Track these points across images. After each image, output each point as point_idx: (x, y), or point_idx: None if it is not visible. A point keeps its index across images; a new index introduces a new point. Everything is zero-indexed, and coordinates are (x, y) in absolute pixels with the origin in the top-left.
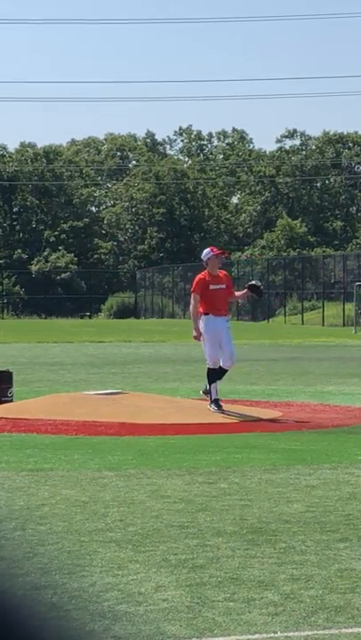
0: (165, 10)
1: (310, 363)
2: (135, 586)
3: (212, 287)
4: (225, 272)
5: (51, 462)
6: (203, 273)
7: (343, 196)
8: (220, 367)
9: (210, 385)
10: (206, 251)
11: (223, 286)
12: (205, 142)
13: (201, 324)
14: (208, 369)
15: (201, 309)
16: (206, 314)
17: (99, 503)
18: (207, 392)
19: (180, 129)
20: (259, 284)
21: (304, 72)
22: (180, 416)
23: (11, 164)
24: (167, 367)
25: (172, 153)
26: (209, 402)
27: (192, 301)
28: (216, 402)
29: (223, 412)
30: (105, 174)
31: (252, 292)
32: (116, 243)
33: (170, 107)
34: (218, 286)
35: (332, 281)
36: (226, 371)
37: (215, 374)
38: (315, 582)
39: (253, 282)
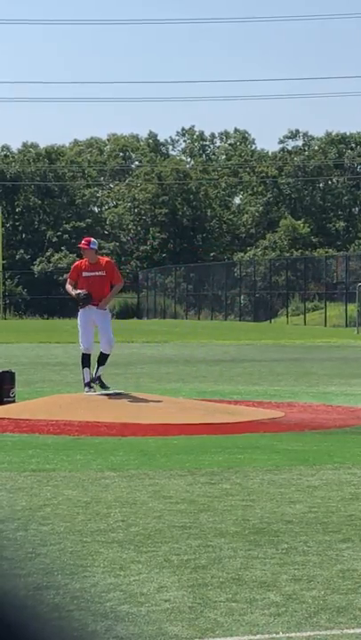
0: (168, 10)
1: (313, 363)
2: (137, 586)
3: (85, 274)
4: (108, 259)
5: (53, 463)
6: (82, 260)
7: (346, 197)
8: (100, 352)
9: (82, 369)
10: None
11: (100, 273)
12: (208, 143)
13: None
14: (82, 354)
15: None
16: None
17: (101, 504)
18: (94, 381)
19: (183, 129)
20: (82, 295)
21: (306, 72)
22: (183, 416)
23: (13, 164)
24: (169, 367)
25: (174, 153)
26: (87, 384)
27: (67, 285)
28: (88, 384)
29: (91, 390)
30: (107, 175)
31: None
32: (118, 243)
33: (172, 107)
34: (92, 273)
35: (335, 281)
36: (107, 355)
37: (88, 359)
38: (317, 583)
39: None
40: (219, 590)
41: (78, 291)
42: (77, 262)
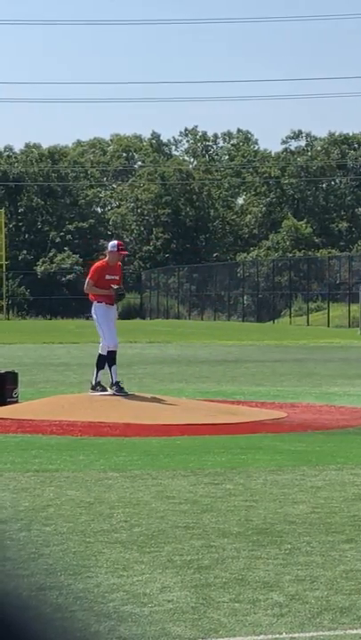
0: (172, 10)
1: (316, 364)
2: (140, 587)
3: (107, 277)
4: (119, 263)
5: (56, 463)
6: (102, 261)
7: (349, 197)
8: (99, 354)
9: (110, 368)
10: (113, 243)
11: (117, 277)
12: (211, 143)
13: (96, 311)
14: (108, 352)
15: (93, 296)
16: (100, 302)
17: (104, 504)
18: (96, 386)
19: (186, 130)
20: (120, 291)
21: (309, 73)
22: (186, 417)
23: (16, 164)
24: (172, 368)
25: (177, 154)
26: (110, 385)
27: (87, 286)
28: (117, 384)
29: (126, 394)
30: (110, 175)
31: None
32: None
33: (175, 107)
34: (113, 277)
35: (338, 282)
36: (115, 353)
37: (114, 357)
38: (320, 583)
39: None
40: (222, 591)
41: (115, 286)
42: (99, 264)
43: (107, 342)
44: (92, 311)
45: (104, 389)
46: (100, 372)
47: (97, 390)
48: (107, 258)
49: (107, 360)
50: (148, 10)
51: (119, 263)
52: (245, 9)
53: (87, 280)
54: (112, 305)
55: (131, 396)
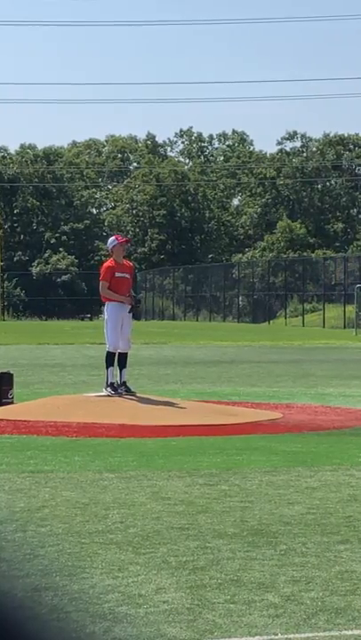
0: (167, 12)
1: (311, 365)
2: (135, 588)
3: (117, 274)
4: (130, 263)
5: (51, 464)
6: (109, 260)
7: (344, 198)
8: (118, 352)
9: (107, 369)
10: (111, 239)
11: (128, 275)
12: (206, 144)
13: (107, 310)
14: (107, 353)
15: (105, 297)
16: (112, 301)
17: (99, 505)
18: (120, 386)
19: (181, 131)
20: (138, 300)
21: (305, 74)
22: (181, 418)
23: (11, 165)
24: (168, 369)
25: (172, 155)
26: (104, 385)
27: (102, 289)
28: (112, 385)
29: (120, 394)
30: (106, 176)
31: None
32: None
33: (171, 109)
34: (123, 274)
35: (333, 283)
36: (126, 356)
37: (113, 359)
38: (315, 584)
39: (138, 297)
40: (217, 592)
41: (134, 294)
42: (108, 263)
43: (108, 343)
44: (104, 310)
45: (129, 390)
46: (125, 370)
47: (129, 393)
48: (113, 256)
49: (105, 359)
50: (145, 10)
51: (131, 264)
52: (243, 10)
53: (100, 282)
54: (124, 303)
55: (126, 397)
